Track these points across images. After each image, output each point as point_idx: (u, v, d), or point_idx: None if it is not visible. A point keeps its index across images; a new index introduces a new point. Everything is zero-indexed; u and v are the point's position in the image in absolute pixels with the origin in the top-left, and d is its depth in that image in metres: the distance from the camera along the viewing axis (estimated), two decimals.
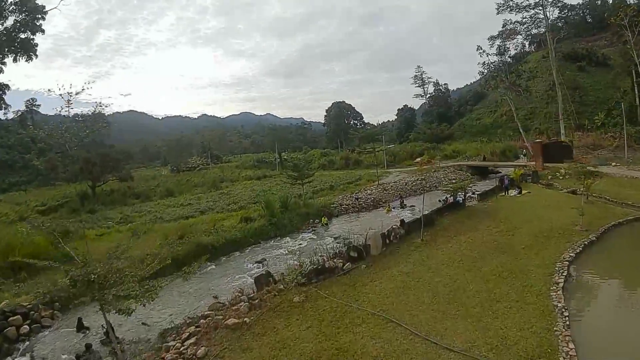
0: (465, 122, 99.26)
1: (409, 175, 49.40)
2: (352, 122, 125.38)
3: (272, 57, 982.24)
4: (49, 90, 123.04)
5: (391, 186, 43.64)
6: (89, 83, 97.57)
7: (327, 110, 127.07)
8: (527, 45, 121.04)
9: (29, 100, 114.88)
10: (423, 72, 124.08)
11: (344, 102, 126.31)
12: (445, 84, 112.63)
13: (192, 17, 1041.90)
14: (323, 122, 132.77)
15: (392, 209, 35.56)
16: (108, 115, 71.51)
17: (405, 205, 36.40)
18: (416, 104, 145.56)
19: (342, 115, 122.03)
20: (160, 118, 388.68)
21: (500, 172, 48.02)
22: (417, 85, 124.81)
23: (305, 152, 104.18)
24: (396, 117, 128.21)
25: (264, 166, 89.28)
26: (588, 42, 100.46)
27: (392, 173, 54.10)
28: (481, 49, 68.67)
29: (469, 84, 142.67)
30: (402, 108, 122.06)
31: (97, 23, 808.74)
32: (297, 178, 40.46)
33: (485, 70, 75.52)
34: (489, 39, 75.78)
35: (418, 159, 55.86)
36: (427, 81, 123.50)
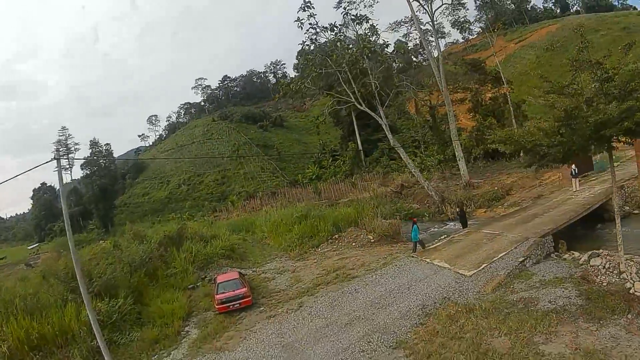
0: (129, 200, 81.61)
1: None
2: None
3: None
4: None
5: None
6: None
7: None
8: (182, 114, 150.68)
9: None
10: (69, 135, 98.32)
11: None
12: (107, 144, 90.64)
13: None
14: None
15: None
16: None
17: None
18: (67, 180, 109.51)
19: None
20: None
21: None
22: (62, 153, 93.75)
23: None
24: (32, 205, 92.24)
25: None
26: (257, 107, 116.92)
27: None
28: None
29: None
30: (38, 188, 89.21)
31: None
32: None
33: None
34: None
35: None
36: (73, 148, 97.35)
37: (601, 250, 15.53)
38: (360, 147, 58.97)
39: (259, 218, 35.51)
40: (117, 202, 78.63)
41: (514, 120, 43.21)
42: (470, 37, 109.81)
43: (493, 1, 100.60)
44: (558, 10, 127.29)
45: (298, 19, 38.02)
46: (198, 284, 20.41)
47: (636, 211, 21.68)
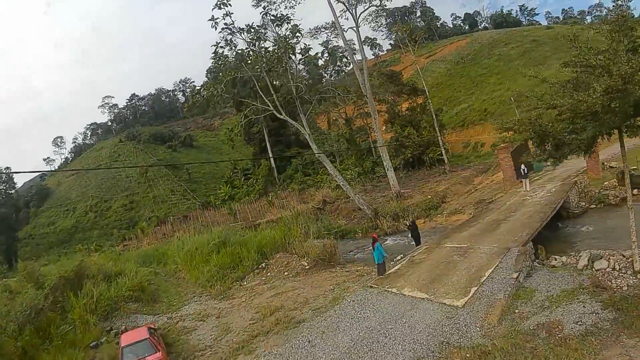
0: (33, 231, 73.53)
1: None
2: None
3: None
4: None
5: None
6: None
7: None
8: (89, 136, 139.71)
9: None
10: None
11: None
12: (7, 167, 77.31)
13: None
14: None
15: None
16: None
17: None
18: None
19: None
20: None
21: None
22: None
23: None
24: None
25: None
26: (166, 127, 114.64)
27: None
28: None
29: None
30: None
31: None
32: None
33: None
34: None
35: None
36: None
37: (601, 251, 13.18)
38: (273, 164, 56.33)
39: (171, 247, 29.44)
40: (21, 233, 68.89)
41: (437, 128, 42.84)
42: (381, 53, 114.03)
43: (404, 19, 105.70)
44: (467, 27, 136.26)
45: (212, 18, 33.69)
46: (102, 340, 15.46)
47: (593, 205, 20.49)
